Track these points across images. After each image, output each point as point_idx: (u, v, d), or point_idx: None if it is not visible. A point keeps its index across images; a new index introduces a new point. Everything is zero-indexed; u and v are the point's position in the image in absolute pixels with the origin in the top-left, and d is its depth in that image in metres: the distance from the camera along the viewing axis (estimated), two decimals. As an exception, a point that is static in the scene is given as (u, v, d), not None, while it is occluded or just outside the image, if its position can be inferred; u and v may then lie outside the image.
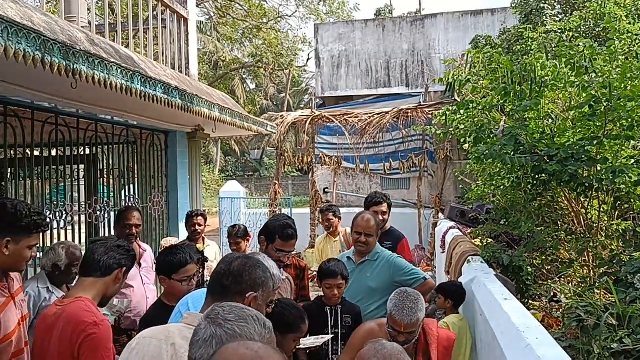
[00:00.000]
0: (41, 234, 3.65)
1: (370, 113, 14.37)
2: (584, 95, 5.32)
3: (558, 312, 5.14)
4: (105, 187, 7.93)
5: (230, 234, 6.53)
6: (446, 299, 5.12)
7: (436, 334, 3.94)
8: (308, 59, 45.38)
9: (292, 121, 14.67)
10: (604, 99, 4.94)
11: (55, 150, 6.65)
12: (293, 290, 4.75)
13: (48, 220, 3.72)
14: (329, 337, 4.27)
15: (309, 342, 4.07)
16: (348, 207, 15.92)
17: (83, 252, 4.82)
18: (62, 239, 6.29)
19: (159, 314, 3.41)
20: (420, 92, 16.46)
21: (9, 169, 6.69)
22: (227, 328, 1.89)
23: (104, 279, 3.26)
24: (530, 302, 5.59)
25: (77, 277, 4.67)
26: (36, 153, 6.51)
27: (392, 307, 3.76)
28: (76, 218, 6.87)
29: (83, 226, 7.16)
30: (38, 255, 4.92)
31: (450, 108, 6.90)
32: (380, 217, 5.92)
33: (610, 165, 5.10)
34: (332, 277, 4.46)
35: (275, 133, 12.28)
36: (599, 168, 5.18)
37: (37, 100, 5.58)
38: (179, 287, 3.76)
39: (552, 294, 5.60)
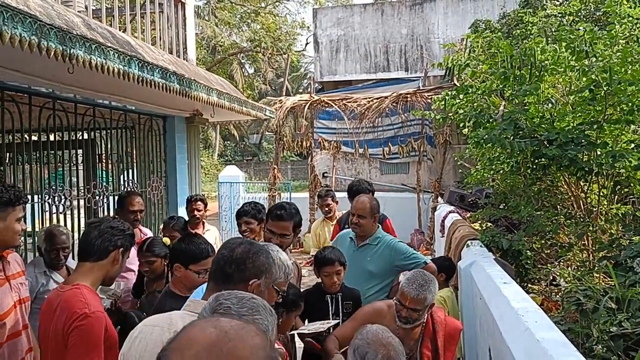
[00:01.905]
0: (24, 206, 3.58)
1: (369, 98, 14.35)
2: (584, 79, 5.30)
3: (557, 296, 5.15)
4: (103, 172, 7.92)
5: (166, 225, 6.13)
6: (439, 273, 5.20)
7: (444, 322, 3.94)
8: (306, 44, 45.29)
9: (290, 106, 14.64)
10: (604, 83, 4.92)
11: (53, 135, 6.62)
12: (300, 273, 4.75)
13: (22, 192, 3.65)
14: (335, 322, 4.24)
15: (314, 327, 4.06)
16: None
17: (69, 236, 4.82)
18: (61, 223, 6.29)
19: (173, 305, 3.31)
20: (419, 77, 16.42)
21: (7, 154, 6.67)
22: None
23: (101, 262, 3.15)
24: (529, 285, 5.59)
25: (64, 260, 4.68)
26: (34, 138, 6.49)
27: (404, 280, 3.81)
28: (75, 203, 6.86)
29: (82, 211, 7.15)
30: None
31: (450, 92, 6.87)
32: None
33: (610, 149, 5.08)
34: (329, 265, 4.39)
35: (274, 118, 12.25)
36: (598, 152, 5.17)
37: (34, 85, 5.55)
38: (195, 278, 3.62)
39: (551, 278, 5.61)
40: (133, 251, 4.78)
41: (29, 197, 4.83)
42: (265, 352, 1.32)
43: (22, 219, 3.50)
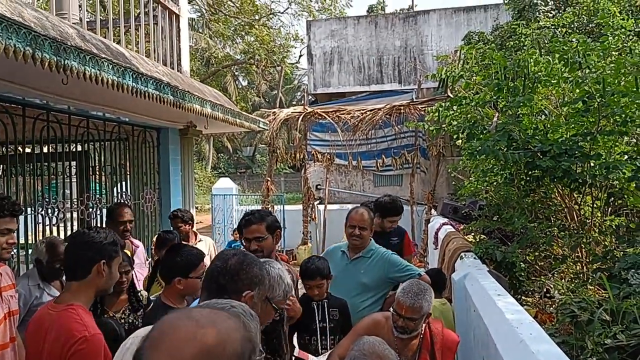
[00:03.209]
0: (12, 218, 3.48)
1: (363, 109, 14.40)
2: (578, 90, 5.32)
3: (551, 308, 5.15)
4: (97, 184, 7.90)
5: (164, 240, 5.75)
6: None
7: (441, 334, 3.93)
8: (300, 56, 45.33)
9: (284, 118, 14.68)
10: (598, 94, 4.94)
11: (47, 146, 6.61)
12: (296, 281, 4.70)
13: (16, 204, 3.51)
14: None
15: None
16: (340, 203, 15.92)
17: None
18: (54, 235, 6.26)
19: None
20: (413, 89, 16.43)
21: (1, 166, 6.65)
22: None
23: (86, 279, 2.99)
24: (523, 298, 5.59)
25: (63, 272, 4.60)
26: (27, 150, 6.47)
27: (400, 290, 3.79)
28: (68, 215, 6.83)
29: (75, 223, 7.12)
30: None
31: (443, 104, 6.90)
32: (396, 225, 6.05)
33: (604, 161, 5.10)
34: (310, 279, 4.41)
35: (267, 130, 12.26)
36: (592, 164, 5.18)
37: (28, 96, 5.54)
38: (198, 283, 3.62)
39: (545, 290, 5.61)
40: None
41: (22, 209, 4.79)
42: (241, 333, 1.32)
43: (12, 232, 3.44)
